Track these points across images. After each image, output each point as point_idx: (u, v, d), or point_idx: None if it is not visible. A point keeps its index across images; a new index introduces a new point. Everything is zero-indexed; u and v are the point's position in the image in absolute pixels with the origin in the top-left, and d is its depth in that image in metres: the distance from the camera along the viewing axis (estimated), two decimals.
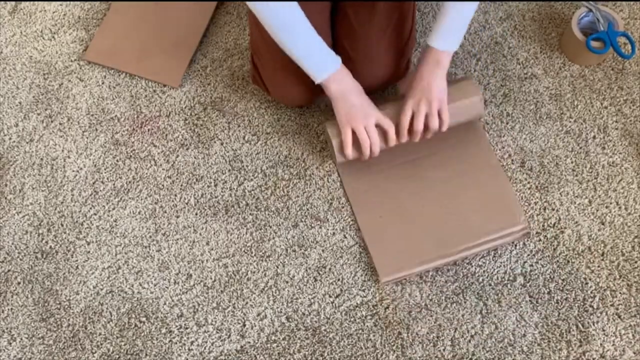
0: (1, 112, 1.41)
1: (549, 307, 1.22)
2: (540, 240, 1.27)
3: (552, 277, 1.24)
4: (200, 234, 1.29)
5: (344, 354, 1.20)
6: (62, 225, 1.31)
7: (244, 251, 1.27)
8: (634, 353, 1.18)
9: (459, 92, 1.26)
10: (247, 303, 1.23)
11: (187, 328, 1.22)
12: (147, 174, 1.35)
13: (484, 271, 1.25)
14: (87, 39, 1.48)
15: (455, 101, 1.24)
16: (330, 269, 1.25)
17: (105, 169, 1.35)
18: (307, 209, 1.30)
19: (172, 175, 1.34)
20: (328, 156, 1.34)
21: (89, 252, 1.28)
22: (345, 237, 1.28)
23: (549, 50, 1.44)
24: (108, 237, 1.29)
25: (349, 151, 1.21)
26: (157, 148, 1.37)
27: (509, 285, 1.23)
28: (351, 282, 1.24)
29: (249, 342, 1.21)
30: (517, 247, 1.26)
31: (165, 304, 1.24)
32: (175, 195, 1.32)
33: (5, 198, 1.33)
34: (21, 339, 1.22)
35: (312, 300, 1.23)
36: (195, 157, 1.36)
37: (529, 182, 1.32)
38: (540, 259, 1.25)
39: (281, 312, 1.23)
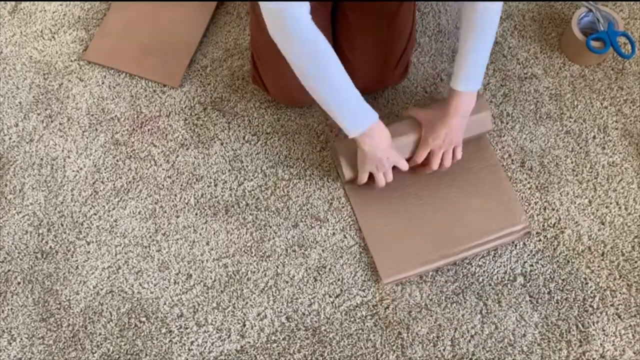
0: (1, 112, 1.41)
1: (549, 307, 1.22)
2: (540, 240, 1.27)
3: (552, 277, 1.24)
4: (200, 234, 1.29)
5: (344, 354, 1.20)
6: (62, 225, 1.31)
7: (244, 251, 1.27)
8: (634, 353, 1.18)
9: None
10: (247, 303, 1.23)
11: (187, 328, 1.22)
12: (147, 174, 1.34)
13: (484, 271, 1.25)
14: (87, 39, 1.47)
15: None
16: (330, 269, 1.25)
17: (105, 169, 1.35)
18: (307, 209, 1.30)
19: (172, 175, 1.34)
20: (331, 163, 1.34)
21: (89, 252, 1.28)
22: (345, 237, 1.28)
23: (549, 50, 1.44)
24: (108, 237, 1.29)
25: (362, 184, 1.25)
26: (157, 148, 1.37)
27: (509, 285, 1.23)
28: (351, 282, 1.24)
29: (249, 342, 1.21)
30: (517, 247, 1.26)
31: (165, 304, 1.24)
32: (175, 195, 1.32)
33: (5, 198, 1.33)
34: (21, 339, 1.22)
35: (312, 300, 1.23)
36: (195, 157, 1.35)
37: (529, 182, 1.32)
38: (541, 259, 1.25)
39: (281, 312, 1.23)
